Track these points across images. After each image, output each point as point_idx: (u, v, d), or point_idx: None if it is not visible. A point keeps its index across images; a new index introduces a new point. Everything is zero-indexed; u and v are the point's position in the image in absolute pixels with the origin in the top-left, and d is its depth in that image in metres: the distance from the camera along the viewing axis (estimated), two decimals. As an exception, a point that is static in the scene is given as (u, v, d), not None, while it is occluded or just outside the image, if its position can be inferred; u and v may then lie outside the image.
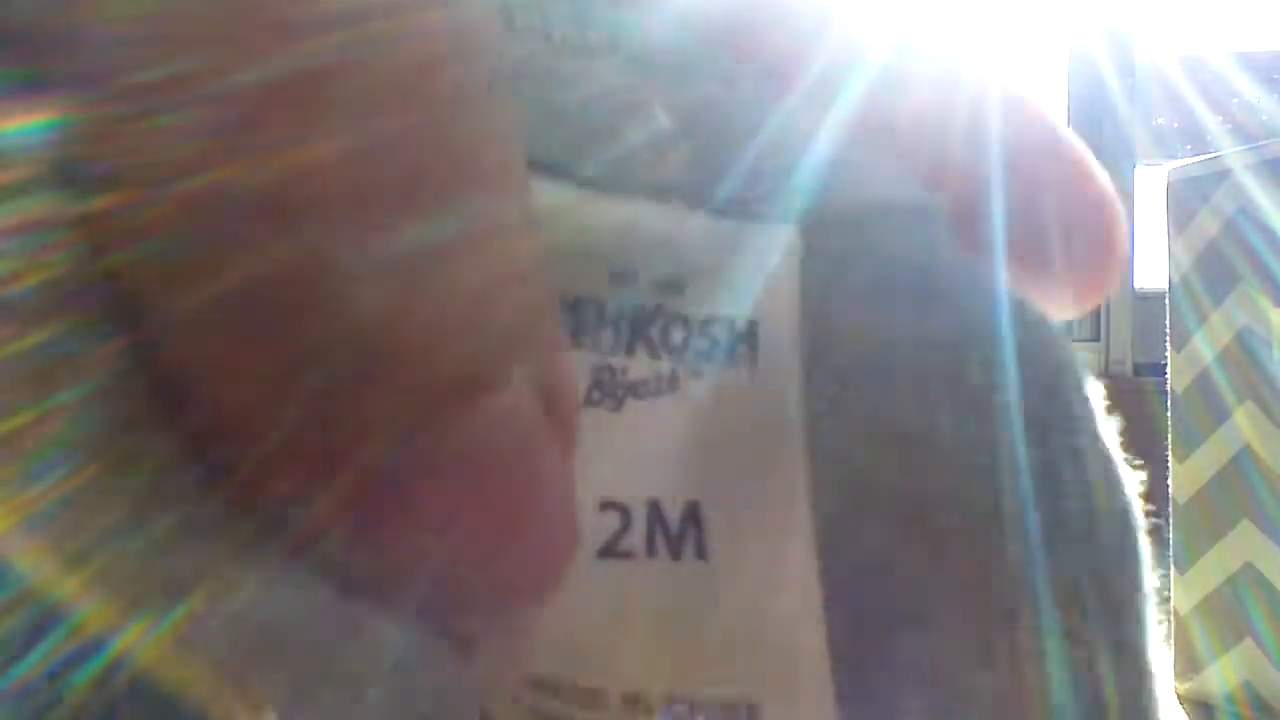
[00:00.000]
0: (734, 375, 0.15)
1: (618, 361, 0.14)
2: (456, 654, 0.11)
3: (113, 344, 0.13)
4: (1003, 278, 0.16)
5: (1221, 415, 0.88)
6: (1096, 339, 1.78)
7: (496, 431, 0.10)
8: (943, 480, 0.14)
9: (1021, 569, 0.14)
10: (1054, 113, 0.17)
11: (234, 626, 0.11)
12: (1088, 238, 0.17)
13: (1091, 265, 0.17)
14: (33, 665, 0.12)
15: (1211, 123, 1.71)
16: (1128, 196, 1.79)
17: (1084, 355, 0.17)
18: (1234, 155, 0.87)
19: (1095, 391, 0.16)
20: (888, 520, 0.14)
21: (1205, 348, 0.89)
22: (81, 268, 0.13)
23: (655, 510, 0.14)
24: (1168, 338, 0.93)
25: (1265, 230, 0.84)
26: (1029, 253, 0.16)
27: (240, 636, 0.11)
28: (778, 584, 0.14)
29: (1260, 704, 0.86)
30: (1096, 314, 1.80)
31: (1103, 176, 0.17)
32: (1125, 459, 0.16)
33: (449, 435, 0.10)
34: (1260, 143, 0.86)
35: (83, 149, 0.13)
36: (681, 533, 0.14)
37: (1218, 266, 0.88)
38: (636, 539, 0.14)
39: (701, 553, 0.14)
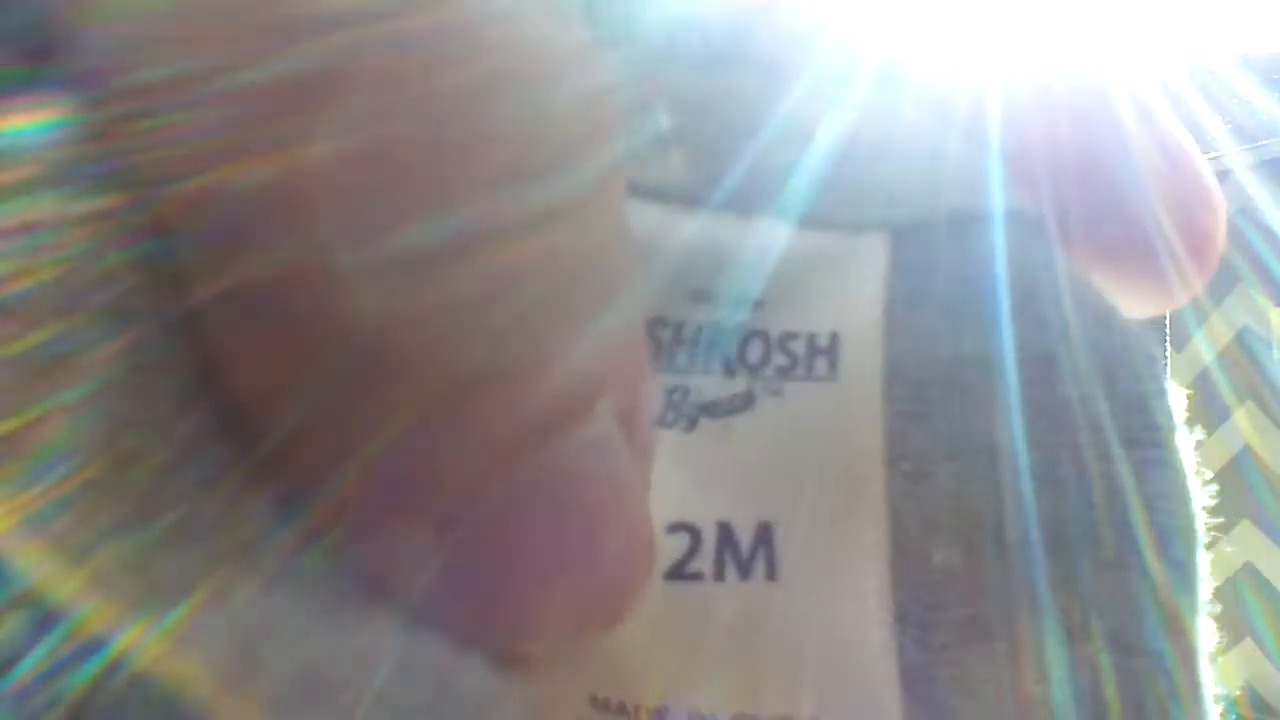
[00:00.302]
0: (813, 391, 0.14)
1: (692, 381, 0.14)
2: (510, 670, 0.11)
3: (113, 344, 0.13)
4: (1098, 285, 0.15)
5: (1221, 415, 0.88)
6: (1096, 339, 1.78)
7: (579, 462, 0.11)
8: (1023, 494, 0.14)
9: (1094, 585, 0.14)
10: (1166, 110, 0.17)
11: (232, 627, 0.11)
12: (1187, 240, 0.16)
13: (1186, 267, 0.17)
14: (33, 665, 0.12)
15: (1212, 123, 1.70)
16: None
17: (1166, 362, 0.16)
18: (1234, 155, 0.87)
19: (1178, 401, 0.16)
20: (965, 535, 0.14)
21: (1205, 348, 0.89)
22: (81, 268, 0.13)
23: (726, 531, 0.14)
24: (1168, 338, 0.93)
25: (1265, 230, 0.84)
26: (1126, 255, 0.16)
27: (238, 637, 0.11)
28: (849, 603, 0.14)
29: (1260, 704, 0.86)
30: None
31: (1211, 182, 0.16)
32: (1197, 472, 0.16)
33: (534, 467, 0.10)
34: (1260, 143, 0.86)
35: (83, 149, 0.13)
36: (752, 554, 0.14)
37: (1218, 266, 0.88)
38: (705, 561, 0.14)
39: (772, 573, 0.14)
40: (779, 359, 0.14)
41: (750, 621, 0.14)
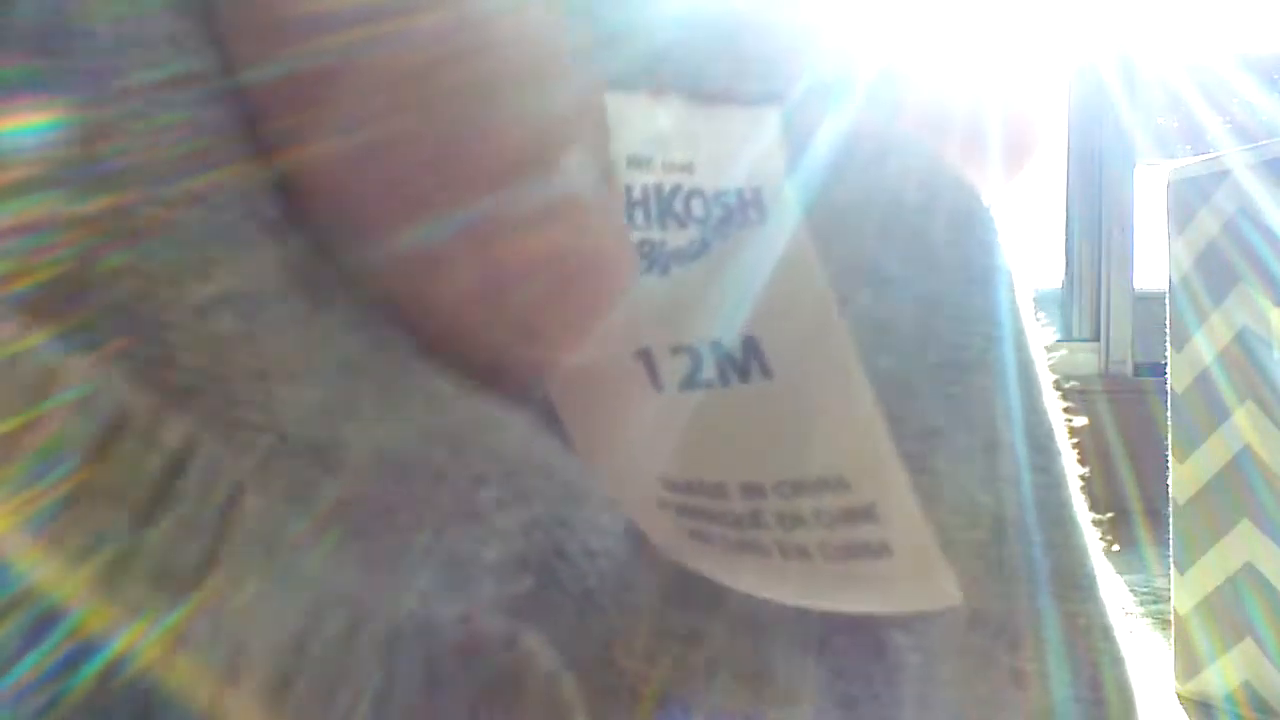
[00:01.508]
0: (752, 233, 0.17)
1: (654, 235, 0.17)
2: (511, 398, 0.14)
3: (112, 344, 0.13)
4: (942, 150, 0.19)
5: (1221, 415, 0.88)
6: (1096, 339, 1.78)
7: (562, 191, 0.14)
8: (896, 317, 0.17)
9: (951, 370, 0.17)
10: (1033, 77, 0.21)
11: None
12: (1016, 140, 0.21)
13: (1015, 159, 0.21)
14: (33, 665, 0.12)
15: (1211, 123, 1.70)
16: (1128, 196, 1.79)
17: (992, 207, 0.20)
18: (1234, 155, 0.87)
19: (1009, 249, 0.19)
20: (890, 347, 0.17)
21: (1205, 347, 0.89)
22: (81, 268, 0.13)
23: (718, 348, 0.16)
24: (1168, 338, 0.93)
25: (1265, 230, 0.84)
26: (970, 143, 0.20)
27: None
28: (838, 384, 0.16)
29: (1260, 704, 0.86)
30: (1096, 314, 1.80)
31: (1041, 107, 0.21)
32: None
33: (528, 195, 0.14)
34: (1260, 143, 0.86)
35: (83, 149, 0.13)
36: (745, 361, 0.16)
37: (1218, 266, 0.88)
38: (710, 372, 0.16)
39: (766, 372, 0.16)
40: (717, 211, 0.17)
41: (763, 409, 0.16)
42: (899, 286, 0.17)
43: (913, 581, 0.15)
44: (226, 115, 0.14)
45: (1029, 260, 1.86)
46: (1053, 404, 0.18)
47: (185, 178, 0.14)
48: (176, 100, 0.14)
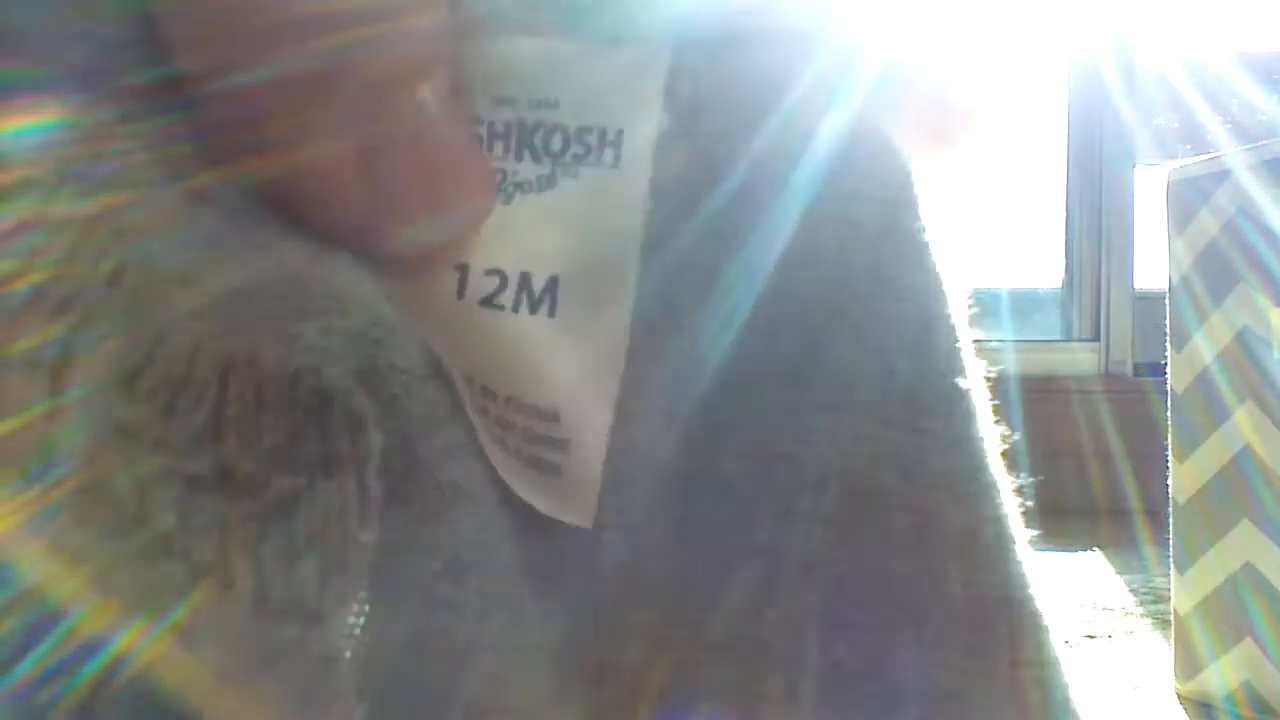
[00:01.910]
0: (600, 177, 0.18)
1: (508, 166, 0.18)
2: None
3: (113, 343, 0.13)
4: (855, 105, 0.19)
5: (1221, 415, 0.88)
6: (1096, 339, 1.78)
7: (425, 107, 0.16)
8: (757, 271, 0.18)
9: (850, 349, 0.18)
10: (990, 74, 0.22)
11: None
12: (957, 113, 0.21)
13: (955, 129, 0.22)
14: (32, 665, 0.12)
15: (1211, 123, 1.70)
16: (1127, 196, 1.79)
17: (911, 165, 0.20)
18: (1234, 155, 0.87)
19: (930, 200, 0.19)
20: (689, 306, 0.18)
21: (1205, 347, 0.89)
22: (80, 268, 0.13)
23: (525, 279, 0.18)
24: (1168, 337, 0.93)
25: (1265, 230, 0.84)
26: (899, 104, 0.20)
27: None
28: (603, 338, 0.18)
29: (1260, 704, 0.86)
30: (1096, 314, 1.80)
31: (982, 88, 0.22)
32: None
33: (393, 111, 0.15)
34: (1260, 143, 0.86)
35: (83, 149, 0.13)
36: (541, 298, 0.18)
37: (1218, 266, 0.88)
38: (507, 297, 0.18)
39: (553, 312, 0.18)
40: (575, 149, 0.18)
41: (533, 340, 0.18)
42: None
43: (567, 498, 0.18)
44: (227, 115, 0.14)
45: (1029, 260, 1.87)
46: (967, 359, 0.19)
47: (186, 178, 0.14)
48: (177, 101, 0.14)
